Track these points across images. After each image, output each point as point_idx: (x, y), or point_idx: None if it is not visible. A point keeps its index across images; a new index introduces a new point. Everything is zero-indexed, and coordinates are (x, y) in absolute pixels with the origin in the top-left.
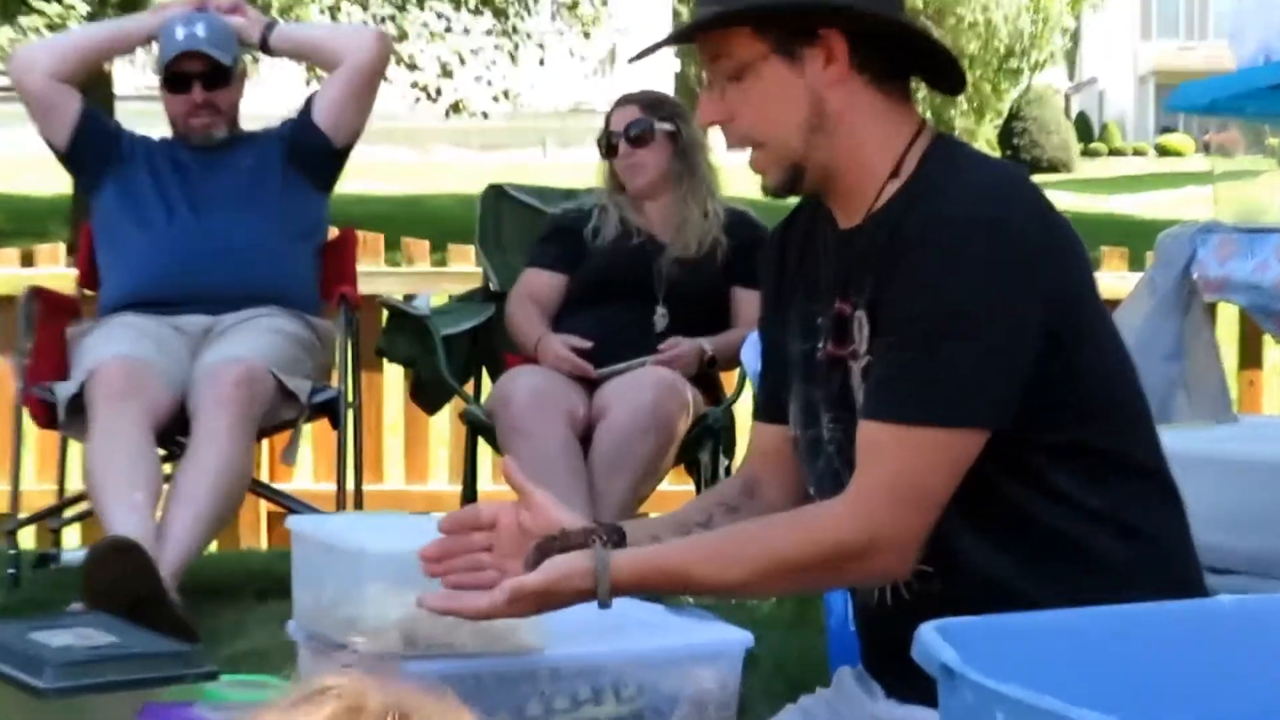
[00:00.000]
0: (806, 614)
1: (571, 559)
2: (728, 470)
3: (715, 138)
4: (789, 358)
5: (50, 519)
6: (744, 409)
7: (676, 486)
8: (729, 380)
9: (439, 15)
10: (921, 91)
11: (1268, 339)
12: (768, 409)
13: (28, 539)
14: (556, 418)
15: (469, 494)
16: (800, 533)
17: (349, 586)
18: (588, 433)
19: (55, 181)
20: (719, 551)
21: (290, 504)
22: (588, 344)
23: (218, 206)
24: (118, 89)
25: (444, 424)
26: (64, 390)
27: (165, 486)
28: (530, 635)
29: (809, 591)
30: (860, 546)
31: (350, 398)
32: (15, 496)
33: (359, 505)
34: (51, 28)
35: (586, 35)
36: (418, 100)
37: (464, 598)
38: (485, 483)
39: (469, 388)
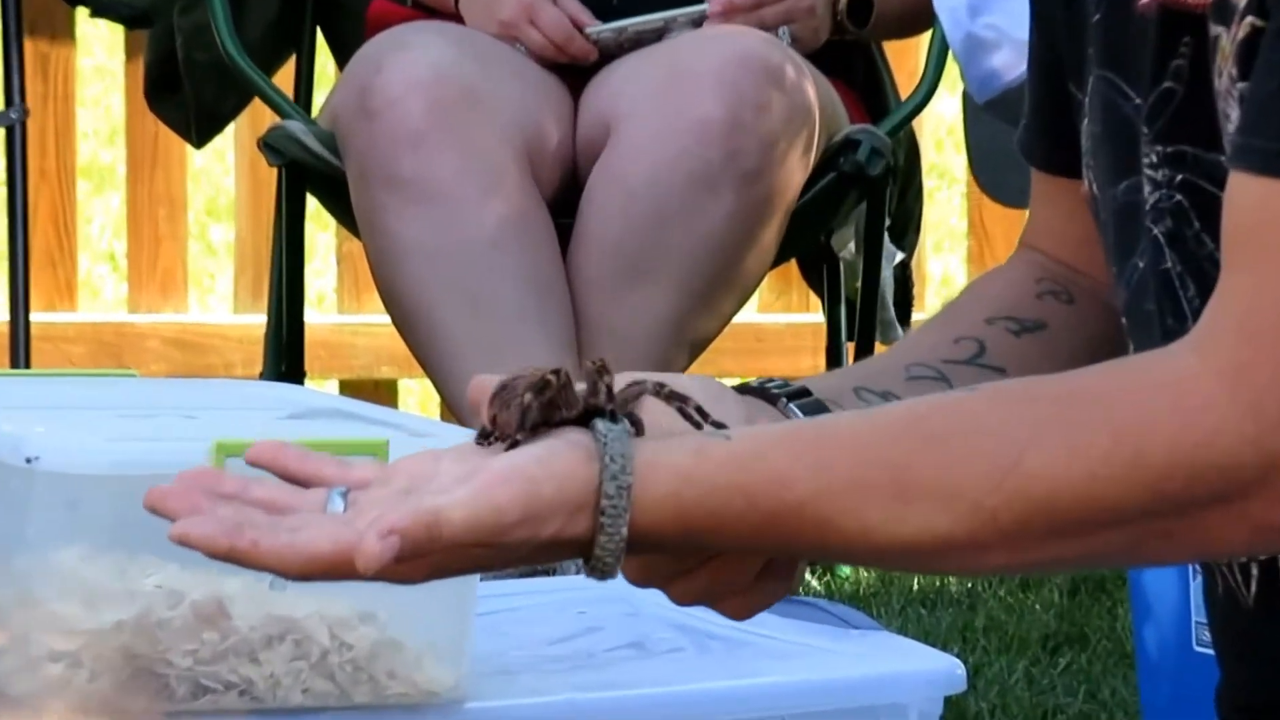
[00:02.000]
0: (1076, 617)
1: (568, 448)
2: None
3: None
4: (1081, 13)
5: None
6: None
7: (777, 316)
8: (904, 61)
9: None
10: None
11: None
12: (1039, 134)
13: None
14: (499, 153)
15: (290, 336)
16: (1122, 416)
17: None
18: (570, 191)
19: None
20: (918, 453)
21: None
22: None
23: None
24: None
25: (221, 169)
26: None
27: None
28: (444, 666)
29: (1104, 565)
30: (1261, 460)
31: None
32: None
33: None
34: None
35: None
36: None
37: (281, 533)
38: (321, 312)
39: (284, 84)
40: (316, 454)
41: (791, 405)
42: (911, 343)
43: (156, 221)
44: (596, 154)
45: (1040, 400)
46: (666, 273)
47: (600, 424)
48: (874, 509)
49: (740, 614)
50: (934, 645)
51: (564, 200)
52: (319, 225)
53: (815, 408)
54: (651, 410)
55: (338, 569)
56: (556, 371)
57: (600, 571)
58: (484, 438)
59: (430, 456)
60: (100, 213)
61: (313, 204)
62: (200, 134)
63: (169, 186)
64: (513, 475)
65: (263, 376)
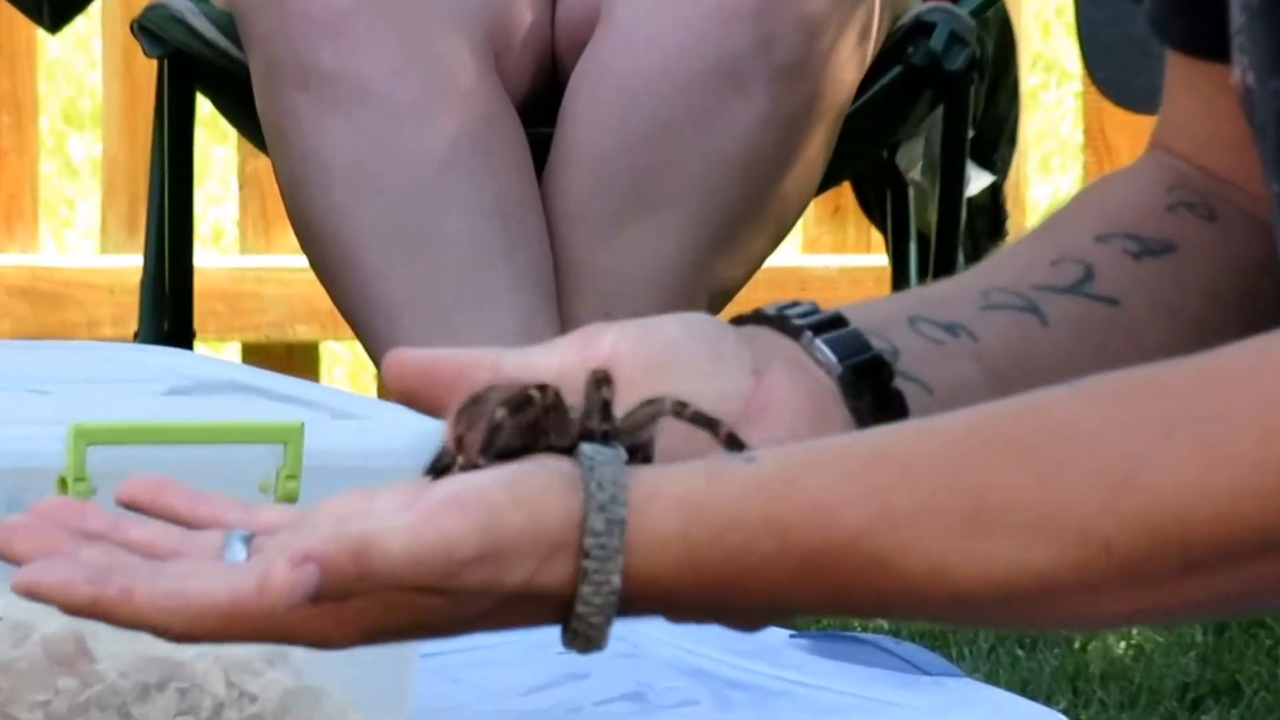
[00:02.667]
0: (1225, 661)
1: (543, 473)
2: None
3: None
4: None
5: None
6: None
7: (826, 258)
8: None
9: None
10: None
11: None
12: (1175, 6)
13: None
14: (451, 40)
15: (176, 284)
16: (1277, 409)
17: None
18: (548, 91)
19: None
20: (1003, 468)
21: None
22: None
23: None
24: None
25: (85, 61)
26: None
27: None
28: None
29: (1257, 607)
30: None
31: None
32: None
33: None
34: None
35: None
36: None
37: (162, 581)
38: (217, 253)
39: None
40: (213, 494)
41: (818, 341)
42: (995, 264)
43: None
44: (583, 42)
45: (1165, 392)
46: (677, 200)
47: (588, 446)
48: (948, 542)
49: (752, 622)
50: (1034, 698)
51: (539, 104)
52: (214, 137)
53: (852, 343)
54: (670, 437)
55: (236, 624)
56: (543, 387)
57: (584, 638)
58: (438, 467)
59: (363, 494)
60: None
61: (206, 108)
62: (55, 13)
63: (14, 85)
64: (468, 500)
65: (139, 338)
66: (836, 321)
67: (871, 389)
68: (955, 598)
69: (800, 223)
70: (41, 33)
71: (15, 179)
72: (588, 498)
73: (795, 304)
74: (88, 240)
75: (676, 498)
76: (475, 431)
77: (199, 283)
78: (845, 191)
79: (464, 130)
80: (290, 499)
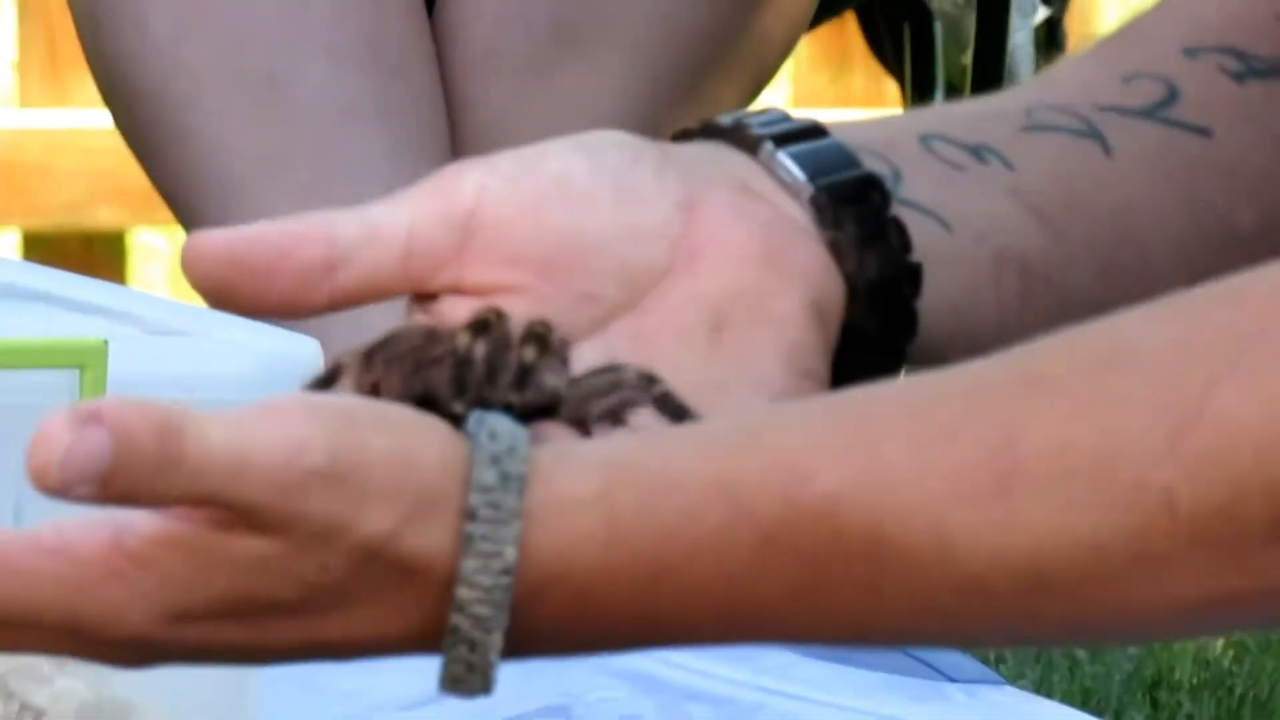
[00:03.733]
0: None
1: (420, 415)
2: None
3: None
4: None
5: None
6: None
7: (826, 113)
8: None
9: None
10: None
11: None
12: None
13: None
14: None
15: None
16: None
17: None
18: None
19: None
20: (1035, 408)
21: None
22: None
23: None
24: None
25: None
26: None
27: None
28: None
29: None
30: None
31: None
32: None
33: None
34: None
35: None
36: None
37: None
38: None
39: None
40: None
41: (781, 155)
42: (1045, 79)
43: None
44: None
45: (1245, 303)
46: (617, 34)
47: (482, 413)
48: (959, 506)
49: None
50: (1099, 713)
51: None
52: None
53: (829, 157)
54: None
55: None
56: (499, 312)
57: (467, 645)
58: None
59: None
60: None
61: None
62: None
63: None
64: (321, 404)
65: None
66: (811, 132)
67: (857, 216)
68: (968, 582)
69: (788, 67)
70: None
71: None
72: (475, 446)
73: (760, 112)
74: None
75: (597, 457)
76: (393, 376)
77: None
78: (848, 25)
79: None
80: None
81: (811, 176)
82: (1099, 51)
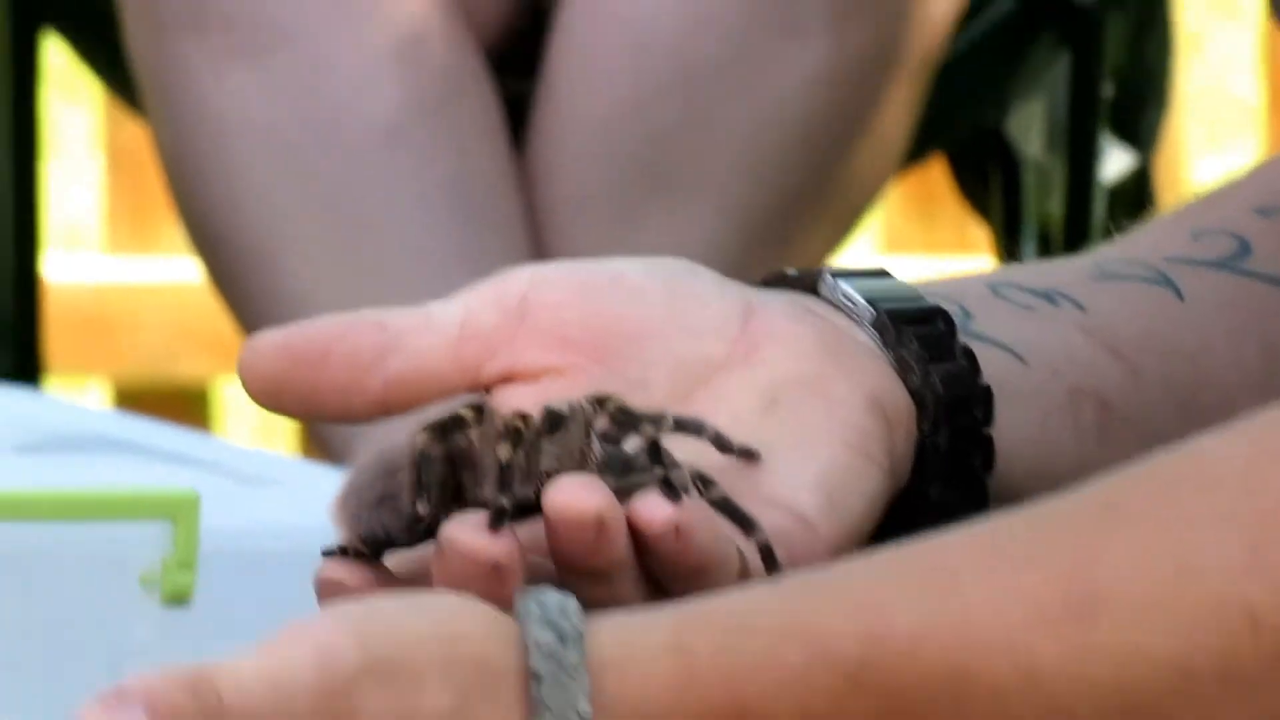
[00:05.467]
0: None
1: (450, 597)
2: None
3: None
4: None
5: None
6: None
7: (914, 259)
8: None
9: None
10: None
11: None
12: None
13: None
14: None
15: (19, 302)
16: None
17: None
18: (528, 33)
19: None
20: (1109, 534)
21: None
22: None
23: None
24: None
25: None
26: None
27: None
28: None
29: None
30: None
31: None
32: None
33: None
34: None
35: None
36: None
37: None
38: (74, 254)
39: None
40: None
41: (843, 284)
42: (1116, 240)
43: None
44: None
45: None
46: (707, 178)
47: (525, 586)
48: (1042, 636)
49: None
50: None
51: (518, 48)
52: (68, 97)
53: (892, 290)
54: None
55: None
56: (479, 408)
57: None
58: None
59: None
60: None
61: (57, 56)
62: None
63: None
64: (349, 609)
65: None
66: (875, 273)
67: (922, 337)
68: (1054, 711)
69: (877, 212)
70: None
71: None
72: (523, 612)
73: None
74: None
75: (664, 611)
76: (378, 510)
77: (52, 300)
78: (936, 170)
79: (413, 85)
80: (181, 597)
81: (874, 304)
82: (1170, 216)
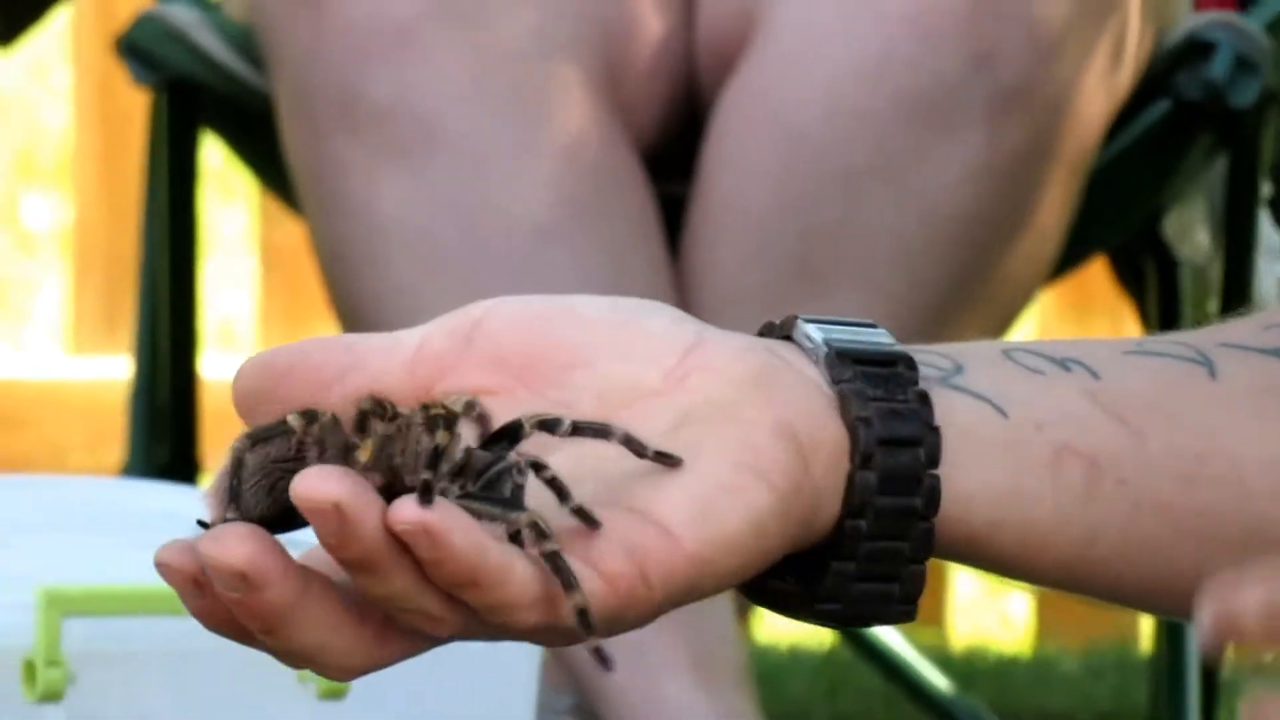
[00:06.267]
0: None
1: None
2: None
3: None
4: None
5: None
6: None
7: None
8: None
9: None
10: None
11: None
12: None
13: None
14: (553, 64)
15: (176, 397)
16: None
17: None
18: (684, 133)
19: None
20: None
21: None
22: None
23: None
24: None
25: (44, 94)
26: None
27: None
28: None
29: None
30: None
31: None
32: None
33: None
34: None
35: None
36: None
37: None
38: (230, 352)
39: None
40: None
41: (808, 326)
42: (1197, 330)
43: None
44: (730, 64)
45: None
46: (861, 276)
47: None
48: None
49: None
50: None
51: (673, 151)
52: (224, 196)
53: (867, 337)
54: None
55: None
56: (309, 414)
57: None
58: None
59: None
60: None
61: (215, 154)
62: (9, 26)
63: None
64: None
65: (126, 471)
66: (859, 323)
67: (872, 376)
68: None
69: (1033, 312)
70: None
71: None
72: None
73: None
74: (49, 338)
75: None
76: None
77: (207, 396)
78: (1094, 271)
79: (569, 185)
80: (337, 692)
81: (833, 345)
82: (1264, 313)
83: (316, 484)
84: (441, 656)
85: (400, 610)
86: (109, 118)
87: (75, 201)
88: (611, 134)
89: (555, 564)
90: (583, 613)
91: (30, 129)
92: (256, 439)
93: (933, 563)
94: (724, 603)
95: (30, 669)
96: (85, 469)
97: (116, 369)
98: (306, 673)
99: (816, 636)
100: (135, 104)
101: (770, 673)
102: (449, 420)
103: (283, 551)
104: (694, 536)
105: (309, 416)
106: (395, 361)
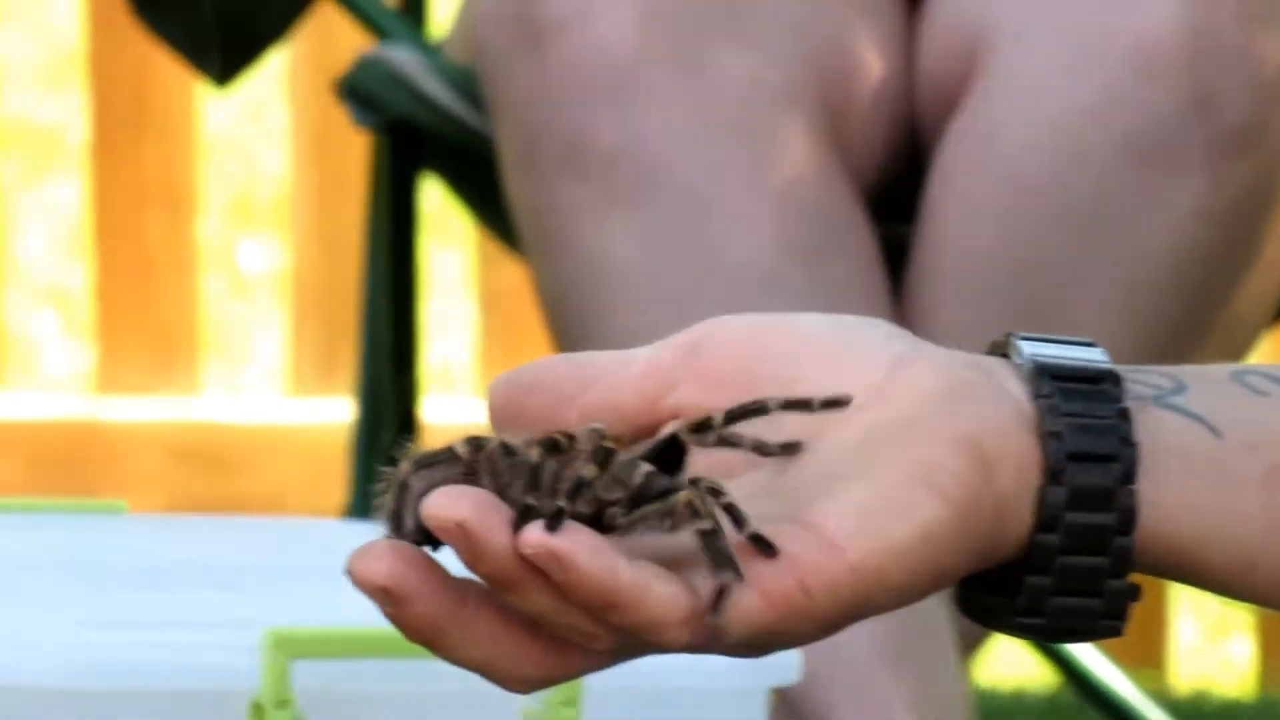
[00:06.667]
0: None
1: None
2: None
3: None
4: None
5: None
6: None
7: None
8: None
9: None
10: None
11: None
12: None
13: None
14: (776, 105)
15: (397, 442)
16: None
17: None
18: (906, 174)
19: None
20: None
21: None
22: None
23: None
24: None
25: (260, 135)
26: None
27: None
28: None
29: None
30: None
31: None
32: None
33: None
34: None
35: None
36: None
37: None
38: (451, 396)
39: None
40: None
41: (1020, 341)
42: None
43: (142, 232)
44: (952, 105)
45: None
46: (1085, 318)
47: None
48: None
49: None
50: None
51: (896, 192)
52: (444, 241)
53: (1081, 353)
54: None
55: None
56: (477, 441)
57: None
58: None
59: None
60: (42, 212)
61: (435, 198)
62: (226, 64)
63: (165, 166)
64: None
65: (348, 513)
66: (1078, 342)
67: (1073, 393)
68: None
69: (1260, 351)
70: (202, 102)
71: (170, 300)
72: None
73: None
74: (269, 382)
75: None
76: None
77: (427, 439)
78: None
79: (793, 229)
80: None
81: (1037, 360)
82: None
83: (442, 503)
84: (670, 704)
85: (552, 625)
86: (326, 159)
87: (291, 244)
88: (833, 176)
89: (709, 543)
90: (722, 593)
91: (247, 171)
92: (422, 464)
93: (1154, 608)
94: (948, 644)
95: (259, 712)
96: (304, 512)
97: (335, 411)
98: (534, 712)
99: (1041, 679)
100: (352, 146)
101: (994, 716)
102: (605, 454)
103: (434, 566)
104: (858, 547)
105: (475, 444)
106: (626, 378)
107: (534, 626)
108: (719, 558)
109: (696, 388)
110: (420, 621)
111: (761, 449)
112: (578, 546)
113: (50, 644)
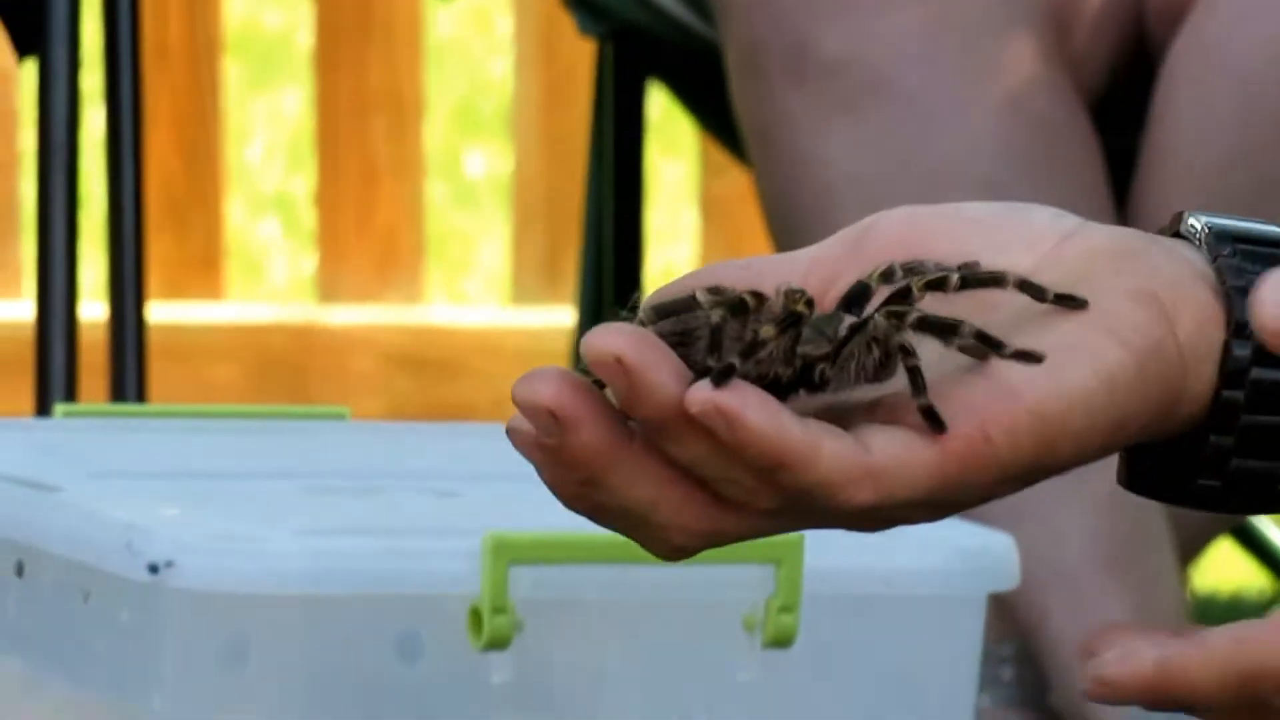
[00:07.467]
0: None
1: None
2: None
3: None
4: None
5: None
6: None
7: None
8: None
9: None
10: None
11: None
12: None
13: None
14: (999, 13)
15: None
16: None
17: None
18: (1133, 86)
19: None
20: None
21: None
22: None
23: None
24: None
25: (485, 45)
26: None
27: None
28: None
29: None
30: None
31: None
32: None
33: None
34: None
35: None
36: None
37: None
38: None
39: None
40: None
41: (1193, 218)
42: None
43: (368, 140)
44: (1180, 14)
45: None
46: None
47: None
48: None
49: None
50: None
51: (1121, 103)
52: (667, 150)
53: (1264, 226)
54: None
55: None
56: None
57: None
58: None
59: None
60: (264, 121)
61: (659, 104)
62: None
63: (390, 77)
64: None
65: None
66: (1260, 222)
67: (1254, 254)
68: None
69: None
70: (427, 9)
71: (393, 207)
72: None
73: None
74: (492, 289)
75: None
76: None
77: None
78: None
79: (1018, 139)
80: (783, 639)
81: (1213, 227)
82: None
83: (602, 336)
84: (889, 611)
85: (713, 479)
86: (550, 67)
87: (516, 152)
88: (1059, 88)
89: (914, 366)
90: (929, 412)
91: (472, 79)
92: (662, 311)
93: None
94: (1166, 551)
95: (476, 616)
96: None
97: (557, 319)
98: (753, 618)
99: (1257, 584)
100: (577, 53)
101: (1210, 623)
102: (790, 316)
103: (604, 399)
104: (1036, 390)
105: (716, 291)
106: (792, 272)
107: (699, 477)
108: (917, 381)
109: (863, 274)
110: (586, 453)
111: (1035, 292)
112: (747, 403)
113: (272, 551)
